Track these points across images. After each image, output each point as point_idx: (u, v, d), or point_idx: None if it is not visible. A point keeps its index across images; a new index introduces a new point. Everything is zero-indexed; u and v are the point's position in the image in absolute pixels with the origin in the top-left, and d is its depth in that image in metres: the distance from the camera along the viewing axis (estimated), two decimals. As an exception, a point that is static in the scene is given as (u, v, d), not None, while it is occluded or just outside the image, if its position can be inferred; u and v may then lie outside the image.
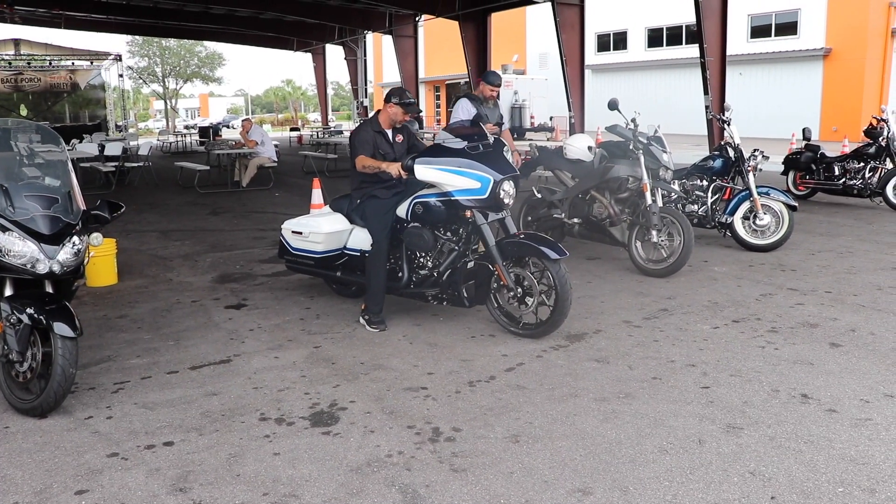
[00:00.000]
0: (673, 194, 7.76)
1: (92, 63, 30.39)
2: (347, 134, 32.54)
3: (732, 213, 8.15)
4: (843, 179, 11.46)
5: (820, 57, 31.05)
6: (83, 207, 4.55)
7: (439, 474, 3.46)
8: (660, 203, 7.07)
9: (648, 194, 6.96)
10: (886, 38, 29.96)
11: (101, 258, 7.18)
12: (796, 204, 8.22)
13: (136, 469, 3.59)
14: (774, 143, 21.11)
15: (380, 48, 51.41)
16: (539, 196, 7.93)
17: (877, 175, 11.25)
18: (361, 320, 5.80)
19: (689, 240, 6.85)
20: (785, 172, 12.48)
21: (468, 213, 5.35)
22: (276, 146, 16.95)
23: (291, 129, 38.58)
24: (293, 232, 6.32)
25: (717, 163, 8.45)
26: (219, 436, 3.93)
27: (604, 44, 40.69)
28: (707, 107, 16.71)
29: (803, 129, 11.94)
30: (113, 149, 16.75)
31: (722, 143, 8.62)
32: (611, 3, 37.46)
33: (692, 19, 17.72)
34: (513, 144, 7.96)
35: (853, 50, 30.04)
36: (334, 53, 38.64)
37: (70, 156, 5.24)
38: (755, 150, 8.32)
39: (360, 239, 6.00)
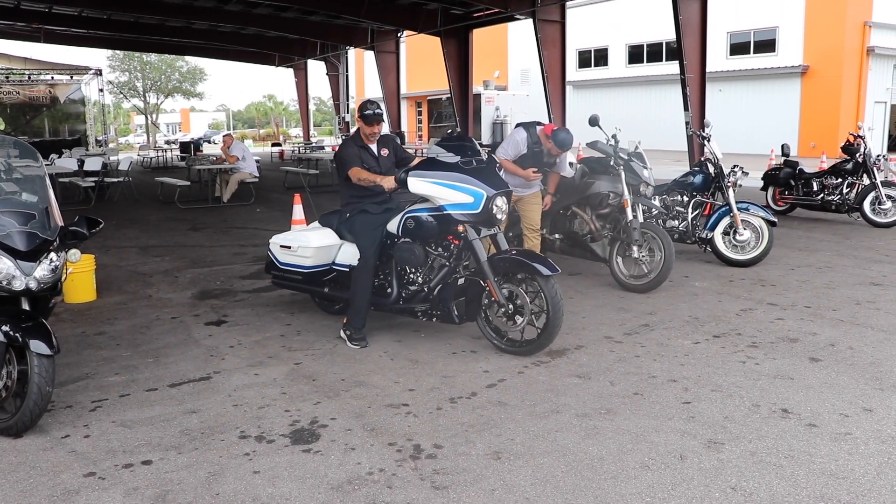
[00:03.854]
0: (654, 210, 7.81)
1: (72, 77, 30.19)
2: (329, 149, 32.58)
3: (713, 228, 8.21)
4: (822, 195, 11.59)
5: (798, 74, 31.44)
6: (61, 223, 4.51)
7: (420, 492, 3.44)
8: (640, 219, 7.11)
9: (629, 210, 6.99)
10: (862, 55, 30.40)
11: (80, 274, 7.11)
12: (776, 219, 8.29)
13: (114, 489, 3.54)
14: (753, 158, 21.32)
15: (362, 64, 51.48)
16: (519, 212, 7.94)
17: (854, 191, 11.38)
18: (342, 335, 5.76)
19: (669, 255, 6.89)
20: (764, 188, 12.59)
21: (461, 228, 5.31)
22: (257, 161, 16.91)
23: (273, 145, 38.48)
24: (281, 246, 6.25)
25: (698, 178, 8.51)
26: (198, 454, 3.88)
27: (585, 60, 41.01)
28: (687, 123, 16.86)
29: (782, 146, 12.04)
30: (92, 164, 16.62)
31: (702, 159, 8.69)
32: (592, 19, 37.82)
33: (672, 36, 17.90)
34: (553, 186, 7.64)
35: (830, 67, 30.44)
36: (316, 69, 38.70)
37: (49, 171, 5.19)
38: (735, 166, 8.39)
39: (350, 254, 5.93)
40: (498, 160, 5.89)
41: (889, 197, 11.00)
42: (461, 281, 5.51)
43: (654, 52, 37.27)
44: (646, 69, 37.46)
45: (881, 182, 11.09)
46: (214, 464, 3.77)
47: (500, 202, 5.29)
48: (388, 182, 5.48)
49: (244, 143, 21.15)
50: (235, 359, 5.45)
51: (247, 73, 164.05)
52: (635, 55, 38.53)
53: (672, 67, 19.68)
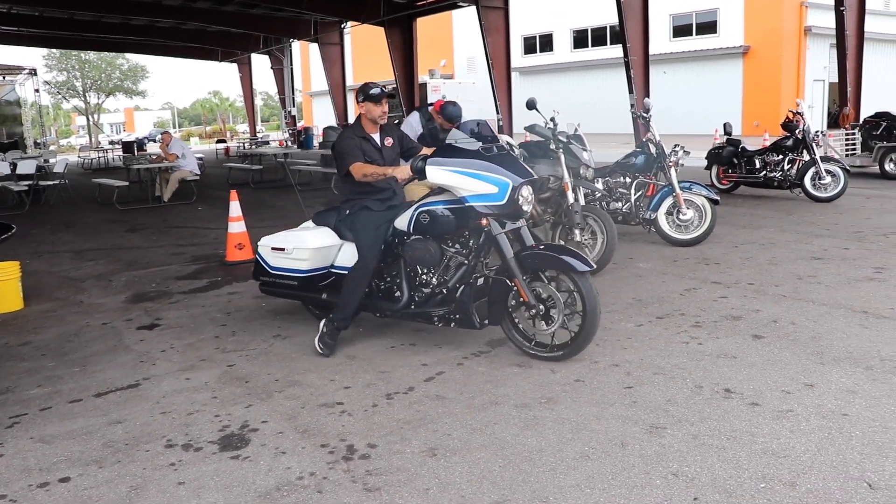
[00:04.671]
0: (596, 193, 7.73)
1: (4, 78, 29.29)
2: (275, 144, 32.14)
3: (656, 208, 8.17)
4: (764, 172, 11.67)
5: (739, 55, 31.83)
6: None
7: (352, 495, 3.28)
8: (582, 202, 7.02)
9: (570, 193, 6.90)
10: (800, 35, 30.89)
11: (4, 283, 6.81)
12: (718, 198, 8.29)
13: (25, 509, 3.33)
14: (699, 138, 21.50)
15: (307, 56, 50.93)
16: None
17: (795, 167, 11.48)
18: (320, 329, 5.26)
19: (612, 237, 6.82)
20: (708, 167, 12.66)
21: (484, 222, 4.80)
22: (200, 159, 16.54)
23: (218, 142, 37.88)
24: (273, 249, 5.64)
25: (640, 160, 8.45)
26: (120, 467, 3.68)
27: (530, 46, 41.05)
28: (632, 105, 16.89)
29: (724, 124, 12.07)
30: (26, 167, 16.10)
31: (644, 139, 8.64)
32: (536, 5, 37.82)
33: (616, 20, 17.91)
34: None
35: (770, 47, 30.87)
36: (261, 63, 38.22)
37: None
38: (676, 146, 8.36)
39: (350, 255, 5.40)
40: None
41: (829, 172, 11.11)
42: (481, 280, 5.04)
43: (598, 37, 37.43)
44: (591, 53, 37.63)
45: (821, 157, 11.20)
46: (137, 477, 3.57)
47: (526, 192, 4.77)
48: (402, 172, 5.00)
49: (190, 140, 20.71)
50: (167, 364, 5.23)
51: (191, 69, 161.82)
52: (580, 40, 38.68)
53: (617, 51, 19.73)
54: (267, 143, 30.54)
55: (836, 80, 17.91)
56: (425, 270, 5.09)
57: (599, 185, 8.11)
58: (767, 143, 13.40)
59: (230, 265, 8.47)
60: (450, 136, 5.01)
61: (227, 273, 8.15)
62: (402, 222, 5.14)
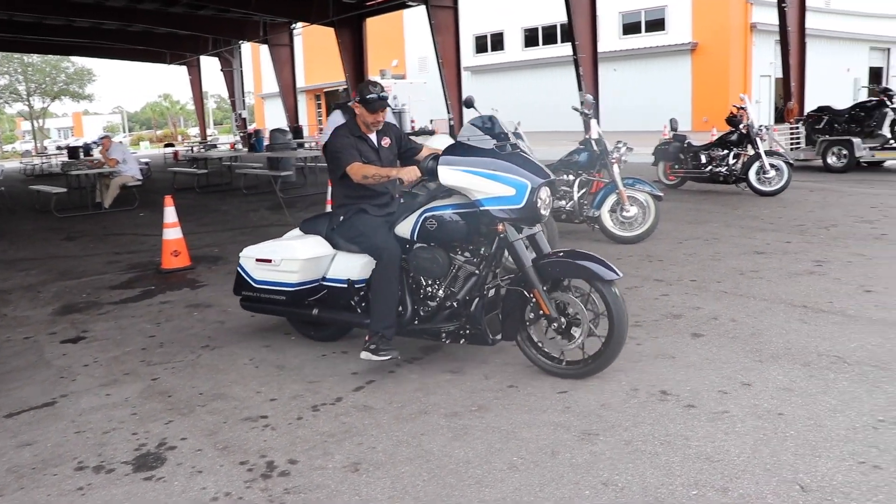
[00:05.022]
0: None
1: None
2: (226, 148, 31.64)
3: (599, 206, 8.09)
4: (710, 167, 11.72)
5: (687, 51, 32.15)
6: None
7: (266, 517, 3.11)
8: None
9: None
10: (746, 32, 31.30)
11: (-79, 296, 6.49)
12: (661, 194, 8.24)
13: (-88, 545, 3.09)
14: (649, 135, 21.57)
15: (258, 58, 50.33)
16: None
17: (740, 161, 11.53)
18: (365, 356, 4.59)
19: (553, 236, 6.72)
20: (655, 163, 12.68)
21: (500, 227, 4.36)
22: (146, 164, 16.13)
23: (166, 146, 37.20)
24: (258, 260, 5.17)
25: (583, 157, 8.37)
26: (23, 494, 3.45)
27: (481, 45, 41.03)
28: (582, 102, 16.89)
29: (670, 120, 12.16)
30: (-42, 175, 15.57)
31: (586, 137, 8.55)
32: (487, 4, 37.79)
33: (565, 18, 17.91)
34: None
35: (717, 44, 31.24)
36: (211, 65, 37.67)
37: None
38: (619, 143, 8.29)
39: (345, 266, 4.93)
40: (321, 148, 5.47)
41: (773, 166, 11.17)
42: (492, 292, 4.67)
43: (549, 35, 37.54)
44: (542, 52, 37.73)
45: (765, 152, 11.26)
46: None
47: (545, 194, 4.36)
48: (408, 174, 4.54)
49: (132, 145, 20.24)
50: (88, 379, 4.99)
51: (141, 72, 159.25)
52: (531, 38, 38.77)
53: (568, 49, 19.75)
54: (215, 146, 30.00)
55: (781, 75, 18.10)
56: (431, 282, 4.67)
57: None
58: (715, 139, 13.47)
59: (165, 273, 8.20)
60: (462, 132, 4.59)
61: (161, 281, 7.88)
62: (404, 229, 4.70)
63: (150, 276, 8.21)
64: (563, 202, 8.29)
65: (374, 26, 26.36)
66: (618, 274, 4.25)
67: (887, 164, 14.98)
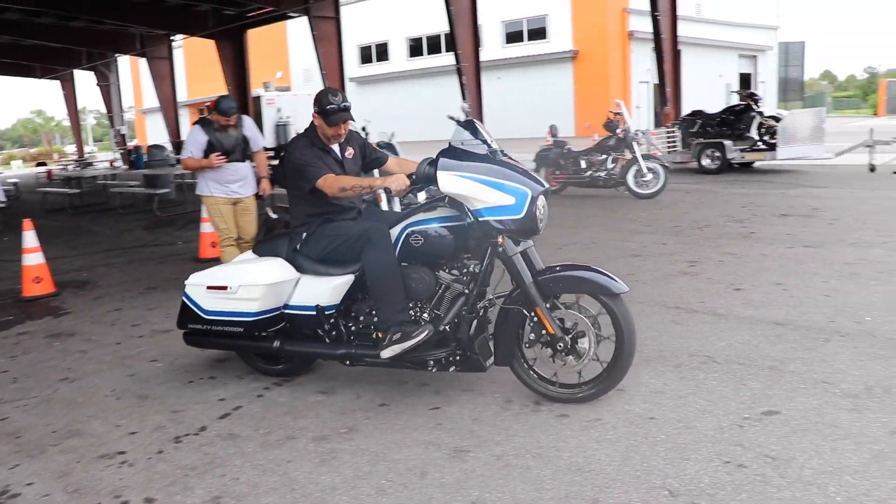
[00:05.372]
0: (414, 204, 7.50)
1: None
2: (104, 165, 30.33)
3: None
4: (589, 172, 11.92)
5: (569, 59, 32.92)
6: None
7: (109, 567, 2.85)
8: (398, 210, 6.78)
9: (384, 203, 6.65)
10: (624, 40, 32.32)
11: None
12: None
13: None
14: (533, 141, 21.90)
15: (137, 72, 48.67)
16: (275, 216, 7.41)
17: (618, 165, 11.78)
18: (393, 349, 4.06)
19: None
20: (537, 169, 12.79)
21: (500, 240, 3.98)
22: (12, 185, 15.21)
23: (38, 164, 35.44)
24: (209, 288, 4.55)
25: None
26: None
27: (366, 56, 40.94)
28: (466, 112, 16.97)
29: (550, 126, 12.32)
30: None
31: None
32: (371, 14, 37.70)
33: (448, 28, 18.00)
34: (264, 167, 7.19)
35: (597, 52, 32.11)
36: (88, 79, 36.16)
37: None
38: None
39: (312, 290, 4.37)
40: (182, 163, 5.18)
41: (650, 169, 11.45)
42: (481, 313, 4.23)
43: (434, 45, 37.76)
44: (427, 61, 37.93)
45: (642, 156, 11.53)
46: None
47: (542, 203, 4.00)
48: (397, 183, 4.09)
49: (2, 164, 19.08)
50: (-76, 423, 4.55)
51: (10, 87, 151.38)
52: (416, 48, 38.92)
53: (452, 58, 19.88)
54: (91, 164, 28.74)
55: (658, 81, 18.71)
56: (412, 305, 4.21)
57: (422, 196, 7.90)
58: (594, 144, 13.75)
59: (26, 301, 7.67)
60: (454, 136, 4.15)
61: (21, 311, 7.35)
62: None
63: (8, 305, 7.66)
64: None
65: (257, 38, 25.86)
66: (625, 288, 4.01)
67: (756, 164, 15.65)
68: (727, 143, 14.63)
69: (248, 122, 6.93)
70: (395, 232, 4.20)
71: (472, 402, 4.13)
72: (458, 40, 17.94)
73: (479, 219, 3.92)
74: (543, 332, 4.01)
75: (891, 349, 4.69)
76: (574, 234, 8.98)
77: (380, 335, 4.18)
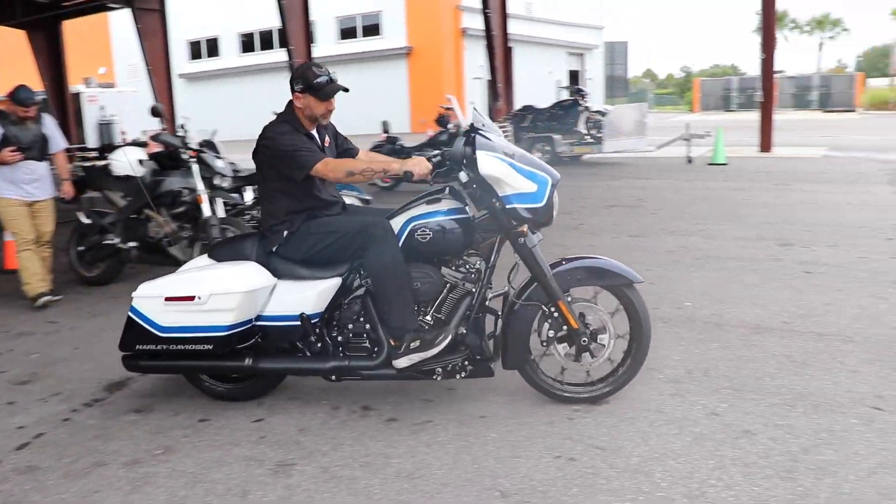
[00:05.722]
0: (238, 204, 7.17)
1: None
2: None
3: None
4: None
5: (403, 55, 33.06)
6: None
7: None
8: (221, 213, 6.45)
9: (205, 206, 6.29)
10: (457, 37, 32.78)
11: None
12: (370, 198, 8.14)
13: None
14: (370, 138, 21.80)
15: (-64, 65, 44.58)
16: (88, 221, 6.90)
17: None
18: (412, 358, 3.70)
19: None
20: (371, 167, 12.69)
21: (524, 229, 3.73)
22: None
23: None
24: (169, 300, 3.81)
25: None
26: None
27: (196, 51, 39.44)
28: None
29: (383, 123, 12.24)
30: None
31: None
32: (200, 7, 36.30)
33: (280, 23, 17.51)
34: (66, 169, 6.64)
35: (431, 48, 32.41)
36: None
37: None
38: None
39: (294, 297, 3.85)
40: None
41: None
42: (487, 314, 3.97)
43: (266, 40, 36.88)
44: (260, 57, 37.01)
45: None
46: None
47: (555, 194, 3.77)
48: (420, 165, 3.71)
49: None
50: None
51: None
52: (248, 44, 37.88)
53: (285, 54, 19.38)
54: None
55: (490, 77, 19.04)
56: (417, 308, 3.84)
57: (249, 195, 7.58)
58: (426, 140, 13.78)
59: None
60: (474, 117, 3.85)
61: None
62: None
63: None
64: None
65: (76, 30, 24.22)
66: (641, 277, 3.90)
67: (584, 157, 16.24)
68: (556, 137, 15.09)
69: (48, 121, 6.38)
70: (395, 227, 3.81)
71: (299, 411, 3.95)
72: (290, 36, 17.44)
73: (507, 206, 3.66)
74: (565, 326, 3.83)
75: (708, 333, 4.93)
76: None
77: (393, 342, 3.78)
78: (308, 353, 3.91)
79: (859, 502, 2.91)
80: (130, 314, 3.88)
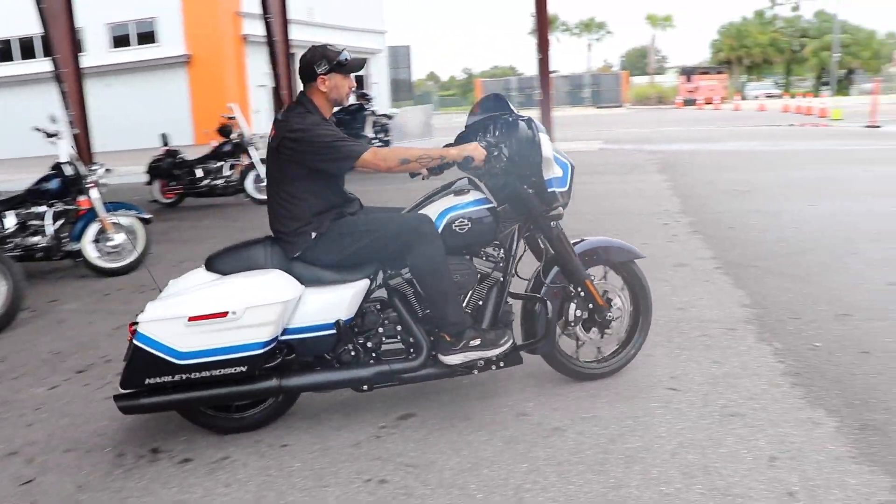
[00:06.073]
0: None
1: None
2: None
3: (79, 238, 7.13)
4: (207, 180, 11.40)
5: (182, 63, 31.74)
6: None
7: None
8: None
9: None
10: (238, 43, 31.87)
11: None
12: (149, 216, 7.59)
13: None
14: (150, 152, 20.62)
15: None
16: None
17: (236, 171, 11.41)
18: (461, 358, 3.55)
19: (18, 283, 5.65)
20: (150, 182, 11.93)
21: (561, 211, 3.78)
22: None
23: None
24: (194, 319, 3.27)
25: (54, 183, 7.28)
26: None
27: (-61, 61, 35.65)
28: (71, 122, 15.35)
29: (161, 135, 11.57)
30: None
31: (59, 161, 7.46)
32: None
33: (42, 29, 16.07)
34: None
35: (212, 56, 31.34)
36: None
37: None
38: (95, 163, 7.44)
39: (324, 304, 3.50)
40: None
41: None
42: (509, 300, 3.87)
43: (27, 48, 34.04)
44: (20, 67, 34.09)
45: (260, 160, 11.23)
46: None
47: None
48: (478, 151, 3.60)
49: None
50: None
51: None
52: (6, 52, 34.79)
53: (50, 64, 17.73)
54: None
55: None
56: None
57: (10, 220, 6.82)
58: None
59: None
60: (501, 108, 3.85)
61: None
62: None
63: None
64: (37, 238, 7.13)
65: None
66: (643, 253, 4.17)
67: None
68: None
69: None
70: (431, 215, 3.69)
71: (76, 465, 3.48)
72: (55, 43, 16.05)
73: (549, 190, 3.68)
74: (591, 305, 3.95)
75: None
76: (193, 248, 8.38)
77: (447, 337, 3.57)
78: (336, 364, 3.64)
79: (666, 484, 2.96)
80: (138, 344, 3.32)
